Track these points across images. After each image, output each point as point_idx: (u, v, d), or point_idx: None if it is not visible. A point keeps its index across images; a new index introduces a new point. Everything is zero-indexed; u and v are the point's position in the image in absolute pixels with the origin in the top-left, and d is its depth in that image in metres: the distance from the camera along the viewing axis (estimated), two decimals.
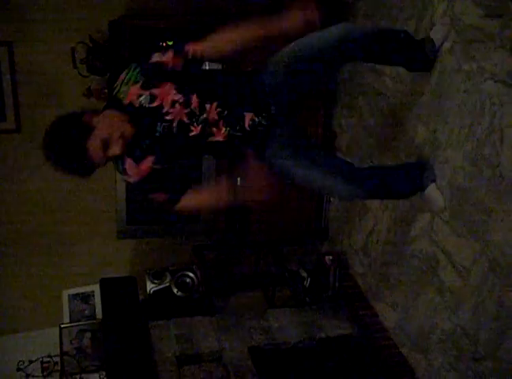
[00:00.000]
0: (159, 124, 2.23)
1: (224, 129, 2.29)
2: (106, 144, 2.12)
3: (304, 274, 3.84)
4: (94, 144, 2.09)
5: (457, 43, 2.58)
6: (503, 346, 2.41)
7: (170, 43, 3.37)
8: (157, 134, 2.24)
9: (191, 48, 2.25)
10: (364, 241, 3.61)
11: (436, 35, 2.67)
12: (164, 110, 2.22)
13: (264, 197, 2.26)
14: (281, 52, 2.44)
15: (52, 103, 3.69)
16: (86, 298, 3.92)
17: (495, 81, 2.36)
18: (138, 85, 2.21)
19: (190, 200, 2.38)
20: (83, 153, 2.08)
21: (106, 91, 3.57)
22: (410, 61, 2.74)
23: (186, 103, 2.24)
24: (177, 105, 2.23)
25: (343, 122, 3.84)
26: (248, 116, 2.32)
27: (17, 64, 3.60)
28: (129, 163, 2.29)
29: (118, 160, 2.30)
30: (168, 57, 2.25)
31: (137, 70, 2.23)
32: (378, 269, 3.46)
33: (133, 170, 2.30)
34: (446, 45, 2.65)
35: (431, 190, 2.72)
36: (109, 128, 2.13)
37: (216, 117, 2.28)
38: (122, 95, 2.23)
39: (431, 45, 2.66)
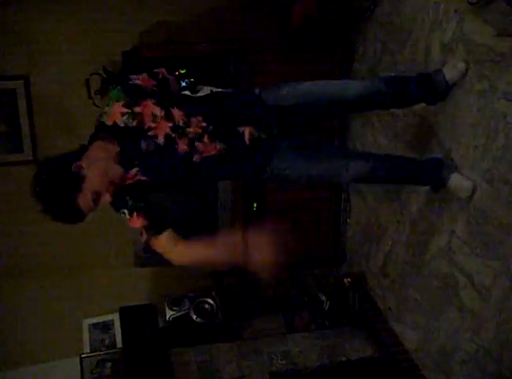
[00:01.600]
0: (142, 141, 2.18)
1: (210, 143, 2.24)
2: (97, 195, 2.06)
3: (323, 297, 3.83)
4: (85, 199, 2.03)
5: (468, 62, 2.59)
6: None
7: (182, 72, 3.42)
8: (142, 152, 2.18)
9: (161, 72, 2.32)
10: (382, 262, 3.59)
11: (450, 73, 2.63)
12: (146, 126, 2.18)
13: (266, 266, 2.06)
14: (295, 87, 2.46)
15: (68, 133, 3.75)
16: (106, 327, 3.93)
17: (508, 100, 2.35)
18: (121, 104, 2.18)
19: (170, 243, 2.26)
20: (72, 206, 2.02)
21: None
22: (417, 102, 2.76)
23: (168, 117, 2.19)
24: (159, 119, 2.19)
25: (358, 144, 3.84)
26: (247, 130, 2.30)
27: (33, 96, 3.67)
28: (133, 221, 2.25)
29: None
30: (143, 78, 2.26)
31: (118, 88, 2.21)
32: (397, 290, 3.44)
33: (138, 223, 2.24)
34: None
35: (454, 178, 2.62)
36: (98, 177, 2.05)
37: (200, 130, 2.22)
38: (105, 117, 2.20)
39: (442, 78, 2.63)
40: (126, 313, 3.60)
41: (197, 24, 3.72)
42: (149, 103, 2.19)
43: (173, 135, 2.20)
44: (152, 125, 2.18)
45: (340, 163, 2.46)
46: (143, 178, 2.21)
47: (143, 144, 2.18)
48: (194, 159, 2.24)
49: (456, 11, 2.68)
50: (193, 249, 2.26)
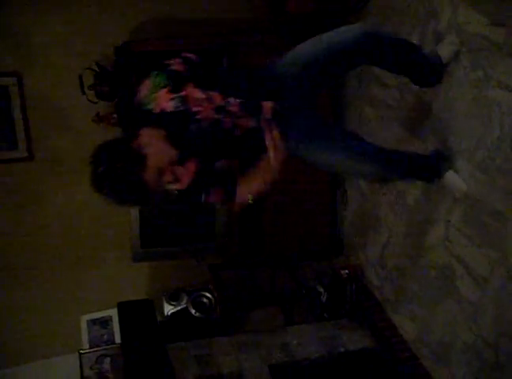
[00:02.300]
0: (192, 125, 2.20)
1: (246, 118, 2.26)
2: (160, 172, 2.10)
3: (321, 289, 3.82)
4: (151, 176, 2.06)
5: (463, 52, 2.58)
6: None
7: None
8: (192, 136, 2.21)
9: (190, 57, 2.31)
10: (380, 253, 3.59)
11: (443, 52, 2.65)
12: (193, 110, 2.19)
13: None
14: (299, 49, 2.45)
15: (62, 129, 3.75)
16: (104, 322, 3.92)
17: (503, 89, 2.35)
18: (167, 89, 2.17)
19: (245, 187, 2.31)
20: (141, 184, 2.05)
21: (115, 116, 3.60)
22: (420, 76, 2.74)
23: (210, 100, 2.21)
24: (203, 102, 2.20)
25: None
26: (268, 105, 2.29)
27: (27, 92, 3.65)
28: (176, 168, 2.25)
29: None
30: (178, 63, 2.25)
31: (163, 75, 2.20)
32: (394, 281, 3.44)
33: (181, 174, 2.24)
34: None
35: (450, 176, 2.66)
36: (159, 154, 2.10)
37: (238, 108, 2.24)
38: (150, 106, 2.18)
39: (438, 60, 2.65)
40: (124, 308, 3.59)
41: (190, 18, 3.71)
42: (191, 87, 2.20)
43: (217, 116, 2.22)
44: (198, 108, 2.19)
45: (355, 165, 2.48)
46: (197, 164, 2.25)
47: (192, 128, 2.20)
48: (236, 133, 2.26)
49: (450, 1, 2.67)
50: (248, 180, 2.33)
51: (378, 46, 2.44)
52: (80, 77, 3.51)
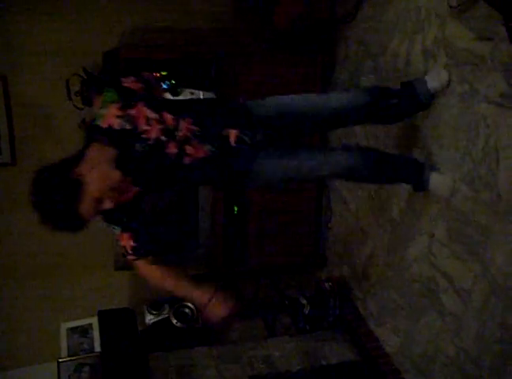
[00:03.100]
0: (137, 144, 2.16)
1: (198, 145, 2.23)
2: (99, 201, 2.03)
3: (304, 301, 3.82)
4: (86, 206, 2.00)
5: (449, 65, 2.60)
6: (508, 369, 2.38)
7: (164, 74, 3.40)
8: (137, 155, 2.17)
9: (146, 75, 2.36)
10: (363, 266, 3.59)
11: (432, 84, 2.64)
12: (139, 129, 2.16)
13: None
14: (286, 99, 2.47)
15: (47, 135, 3.71)
16: (84, 331, 3.87)
17: (489, 103, 2.37)
18: (117, 106, 2.16)
19: (151, 271, 2.34)
20: (74, 214, 1.99)
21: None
22: (404, 116, 2.79)
23: (161, 120, 2.19)
24: (152, 122, 2.18)
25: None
26: (233, 132, 2.29)
27: (12, 97, 3.61)
28: (122, 237, 2.26)
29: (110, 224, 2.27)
30: (132, 81, 2.27)
31: (113, 91, 2.20)
32: (378, 294, 3.44)
33: (128, 245, 2.26)
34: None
35: (435, 178, 2.63)
36: (99, 183, 2.02)
37: (189, 133, 2.22)
38: (100, 120, 2.16)
39: (424, 87, 2.64)
40: (104, 317, 3.56)
41: (179, 27, 3.71)
42: (142, 105, 2.19)
43: (163, 138, 2.19)
44: (146, 128, 2.17)
45: (320, 157, 2.44)
46: (136, 189, 2.21)
47: (137, 147, 2.17)
48: (184, 162, 2.23)
49: (437, 15, 2.70)
50: (164, 279, 2.36)
51: (358, 112, 2.53)
52: (67, 83, 3.49)
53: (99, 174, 2.03)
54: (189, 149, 2.22)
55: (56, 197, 1.97)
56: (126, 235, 2.25)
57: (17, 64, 3.56)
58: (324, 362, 3.44)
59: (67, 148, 3.68)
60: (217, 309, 2.27)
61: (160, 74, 3.39)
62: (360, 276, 3.64)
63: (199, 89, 3.39)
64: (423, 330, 2.97)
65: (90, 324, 3.85)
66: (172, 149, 2.19)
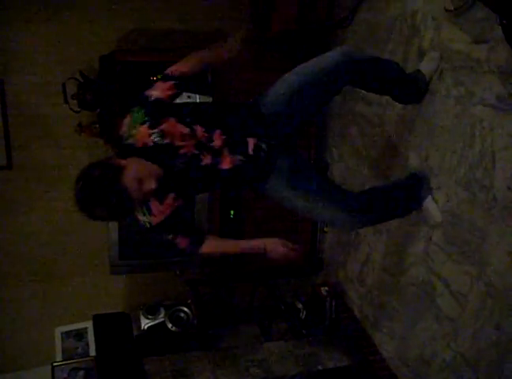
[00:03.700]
0: (177, 160, 2.21)
1: (229, 155, 2.28)
2: (140, 182, 2.07)
3: (300, 306, 3.81)
4: (130, 182, 2.03)
5: (445, 69, 2.61)
6: (504, 372, 2.37)
7: (160, 77, 3.39)
8: (176, 170, 2.22)
9: (171, 70, 2.35)
10: (359, 270, 3.58)
11: (425, 68, 2.69)
12: (176, 144, 2.20)
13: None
14: (279, 82, 2.45)
15: (43, 138, 3.71)
16: (79, 335, 3.85)
17: (485, 106, 2.38)
18: (146, 126, 2.19)
19: (212, 248, 2.44)
20: (121, 193, 2.01)
21: (97, 126, 3.58)
22: (402, 93, 2.76)
23: (193, 134, 2.23)
24: (186, 137, 2.22)
25: (335, 153, 3.84)
26: (251, 141, 2.31)
27: (8, 100, 3.60)
28: (153, 202, 2.25)
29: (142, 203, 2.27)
30: (159, 88, 2.27)
31: (142, 111, 2.21)
32: (374, 298, 3.43)
33: (158, 209, 2.26)
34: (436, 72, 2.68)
35: (429, 204, 2.71)
36: (138, 166, 2.10)
37: (221, 143, 2.26)
38: (132, 140, 2.20)
39: (422, 77, 2.68)
40: (99, 321, 3.54)
41: (176, 31, 3.71)
42: (172, 121, 2.21)
43: (197, 152, 2.23)
44: (182, 143, 2.21)
45: (333, 213, 2.48)
46: (179, 202, 2.29)
47: (178, 164, 2.22)
48: (218, 171, 2.28)
49: (433, 18, 2.71)
50: (223, 246, 2.53)
51: (359, 68, 2.46)
52: (64, 86, 3.48)
53: (137, 162, 2.12)
54: (220, 159, 2.27)
55: (101, 181, 2.01)
56: (180, 239, 2.36)
57: (14, 67, 3.56)
58: (320, 367, 3.41)
59: (63, 151, 3.73)
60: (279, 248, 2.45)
61: (157, 78, 3.38)
62: (356, 281, 3.63)
63: (196, 93, 3.39)
64: (420, 334, 2.96)
65: (85, 328, 3.83)
66: (206, 161, 2.24)
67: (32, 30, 3.52)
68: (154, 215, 2.27)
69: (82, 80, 3.51)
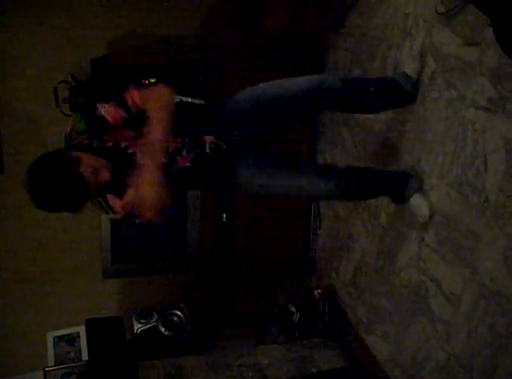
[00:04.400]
0: (124, 159, 2.24)
1: (186, 155, 2.32)
2: (95, 172, 2.12)
3: (293, 309, 3.80)
4: (86, 171, 2.08)
5: (436, 71, 2.62)
6: (497, 373, 2.37)
7: (152, 81, 3.39)
8: (126, 168, 2.22)
9: (130, 98, 2.21)
10: (352, 273, 3.58)
11: (409, 68, 2.70)
12: (122, 145, 2.24)
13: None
14: (248, 92, 2.48)
15: (35, 142, 3.69)
16: (71, 339, 3.82)
17: (476, 108, 2.38)
18: (86, 136, 2.23)
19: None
20: (78, 180, 2.05)
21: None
22: (389, 105, 2.79)
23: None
24: (131, 139, 2.24)
25: (327, 155, 3.85)
26: (208, 139, 2.35)
27: (0, 104, 3.59)
28: (111, 198, 2.28)
29: (101, 199, 2.30)
30: (110, 110, 2.21)
31: (83, 122, 2.24)
32: (367, 301, 3.43)
33: (118, 205, 2.27)
34: (427, 73, 2.68)
35: (416, 199, 2.70)
36: (92, 158, 2.15)
37: (179, 145, 2.30)
38: (75, 141, 2.24)
39: (407, 79, 2.68)
40: (92, 325, 3.51)
41: (168, 33, 3.72)
42: (118, 131, 2.23)
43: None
44: (128, 144, 2.24)
45: (299, 180, 2.49)
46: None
47: (125, 161, 2.23)
48: (172, 170, 2.29)
49: (425, 21, 2.72)
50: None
51: (337, 97, 2.51)
52: (55, 90, 3.48)
53: (89, 155, 2.15)
54: (178, 159, 2.30)
55: (55, 169, 2.05)
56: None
57: (6, 70, 3.56)
58: (314, 370, 3.41)
59: None
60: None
61: (149, 81, 3.39)
62: (349, 283, 3.63)
63: (187, 96, 3.38)
64: (413, 336, 2.96)
65: (77, 333, 3.81)
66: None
67: (24, 33, 3.53)
68: (116, 211, 2.31)
69: (74, 84, 3.50)
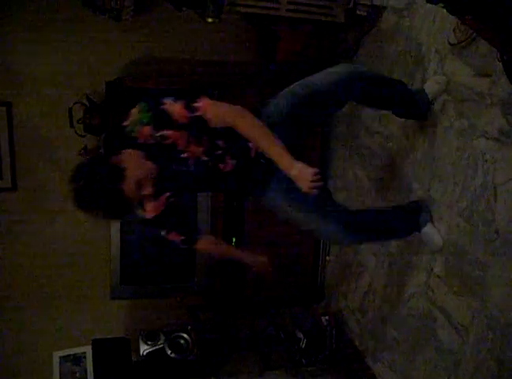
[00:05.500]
0: (175, 162, 2.27)
1: (230, 161, 2.35)
2: (139, 184, 2.15)
3: (300, 335, 3.78)
4: (130, 186, 2.11)
5: (448, 101, 2.63)
6: None
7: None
8: (172, 170, 2.28)
9: (202, 107, 2.21)
10: (361, 300, 3.56)
11: (430, 88, 2.71)
12: (179, 147, 2.25)
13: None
14: (284, 94, 2.49)
15: (48, 161, 3.74)
16: (77, 359, 3.81)
17: (487, 139, 2.39)
18: (150, 126, 2.21)
19: (205, 246, 2.58)
20: (119, 195, 2.09)
21: (102, 151, 3.60)
22: (404, 110, 2.80)
23: (199, 142, 2.27)
24: (191, 144, 2.26)
25: (338, 182, 3.86)
26: (254, 146, 2.36)
27: (15, 123, 3.65)
28: (147, 198, 2.31)
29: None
30: (177, 108, 2.21)
31: (150, 114, 2.21)
32: (375, 329, 3.41)
33: (151, 205, 2.33)
34: (439, 102, 2.70)
35: (428, 229, 2.72)
36: (138, 168, 2.17)
37: (223, 152, 2.33)
38: (134, 134, 2.22)
39: (425, 96, 2.71)
40: (98, 345, 3.52)
41: (182, 57, 3.76)
42: (182, 133, 2.25)
43: (203, 158, 2.30)
44: (185, 148, 2.26)
45: (330, 227, 2.52)
46: (173, 200, 2.38)
47: (175, 165, 2.28)
48: (217, 172, 2.37)
49: (437, 52, 2.74)
50: (217, 247, 2.72)
51: (363, 86, 2.51)
52: (70, 110, 3.52)
53: (136, 161, 2.17)
54: (221, 165, 2.35)
55: (101, 182, 2.07)
56: (172, 234, 2.45)
57: (22, 91, 3.61)
58: None
59: (67, 174, 3.72)
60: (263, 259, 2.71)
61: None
62: (357, 311, 3.61)
63: None
64: (420, 366, 2.92)
65: (84, 353, 3.79)
66: (209, 166, 2.33)
67: (41, 55, 3.58)
68: (147, 210, 2.35)
69: (88, 105, 3.55)
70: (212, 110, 2.23)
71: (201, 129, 2.26)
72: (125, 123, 2.26)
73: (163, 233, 2.44)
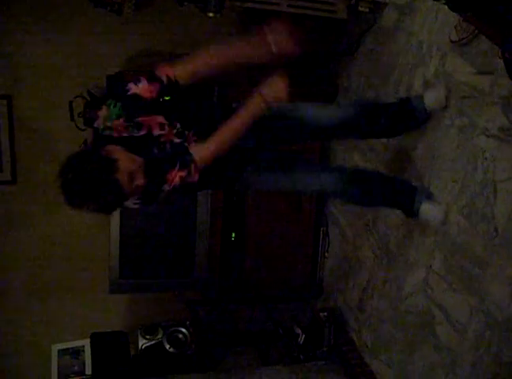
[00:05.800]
0: (154, 148, 2.24)
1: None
2: (132, 176, 2.08)
3: (298, 331, 3.78)
4: (123, 177, 2.03)
5: (449, 98, 2.63)
6: None
7: (167, 98, 3.42)
8: (155, 157, 2.23)
9: (164, 73, 2.21)
10: (359, 297, 3.57)
11: (430, 100, 2.69)
12: (155, 133, 2.22)
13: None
14: (293, 104, 2.55)
15: (48, 154, 3.72)
16: (76, 353, 3.82)
17: (488, 136, 2.39)
18: (122, 119, 2.17)
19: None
20: (115, 185, 2.02)
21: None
22: (401, 128, 2.84)
23: (170, 124, 2.25)
24: (165, 126, 2.24)
25: None
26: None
27: (16, 116, 3.65)
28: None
29: None
30: (142, 85, 2.18)
31: (119, 105, 2.16)
32: (373, 325, 3.41)
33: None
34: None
35: (425, 207, 2.69)
36: (129, 160, 2.09)
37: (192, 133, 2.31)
38: (108, 132, 2.18)
39: (421, 103, 2.70)
40: (97, 339, 3.53)
41: (184, 52, 3.73)
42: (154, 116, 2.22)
43: (176, 140, 2.27)
44: (161, 132, 2.23)
45: (312, 177, 2.55)
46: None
47: (155, 151, 2.23)
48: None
49: (438, 49, 2.73)
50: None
51: (360, 123, 2.62)
52: (71, 104, 3.52)
53: (125, 156, 2.08)
54: (192, 148, 2.28)
55: (94, 174, 1.98)
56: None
57: (22, 84, 3.61)
58: None
59: None
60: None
61: (163, 99, 3.41)
62: (356, 307, 3.61)
63: None
64: (418, 363, 2.93)
65: (82, 347, 3.80)
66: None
67: (41, 48, 3.57)
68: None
69: (89, 99, 3.54)
70: (174, 67, 2.22)
71: (172, 101, 2.25)
72: (95, 125, 2.21)
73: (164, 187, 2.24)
